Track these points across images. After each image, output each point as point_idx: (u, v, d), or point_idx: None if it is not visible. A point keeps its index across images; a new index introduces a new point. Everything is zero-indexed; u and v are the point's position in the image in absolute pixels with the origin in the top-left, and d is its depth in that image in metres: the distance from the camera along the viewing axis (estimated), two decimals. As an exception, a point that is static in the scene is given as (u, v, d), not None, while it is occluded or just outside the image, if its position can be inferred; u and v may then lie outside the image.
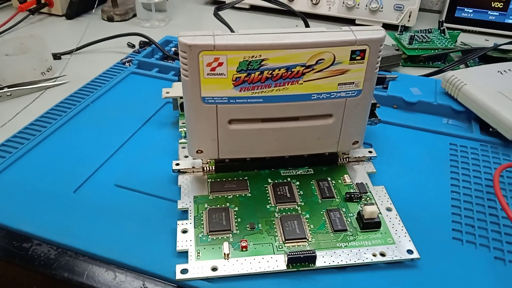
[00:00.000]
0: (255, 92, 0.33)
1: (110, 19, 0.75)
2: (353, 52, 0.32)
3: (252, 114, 0.34)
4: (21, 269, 0.32)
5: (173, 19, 0.77)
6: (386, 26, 0.68)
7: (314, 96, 0.34)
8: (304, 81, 0.33)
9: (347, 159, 0.40)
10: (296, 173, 0.39)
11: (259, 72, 0.32)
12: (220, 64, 0.32)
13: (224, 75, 0.32)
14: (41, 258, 0.32)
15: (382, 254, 0.32)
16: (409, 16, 0.70)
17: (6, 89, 0.52)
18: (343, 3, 0.72)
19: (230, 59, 0.31)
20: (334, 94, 0.34)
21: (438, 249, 0.33)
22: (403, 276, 0.31)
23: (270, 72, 0.32)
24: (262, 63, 0.32)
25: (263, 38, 0.31)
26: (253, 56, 0.31)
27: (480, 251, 0.33)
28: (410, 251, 0.32)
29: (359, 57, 0.33)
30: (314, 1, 0.74)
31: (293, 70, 0.32)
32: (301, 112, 0.35)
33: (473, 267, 0.32)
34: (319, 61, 0.32)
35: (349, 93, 0.34)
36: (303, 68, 0.32)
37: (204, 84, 0.32)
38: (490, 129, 0.46)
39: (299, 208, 0.35)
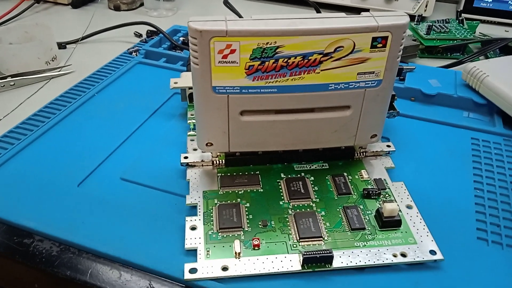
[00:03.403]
0: (269, 82, 0.31)
1: (117, 8, 0.74)
2: (374, 39, 0.30)
3: (265, 105, 0.33)
4: (22, 266, 0.31)
5: (181, 8, 0.75)
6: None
7: (331, 86, 0.32)
8: (321, 70, 0.31)
9: (364, 153, 0.38)
10: (310, 167, 0.37)
11: (273, 60, 0.30)
12: (233, 51, 0.30)
13: (237, 63, 0.30)
14: (43, 255, 0.31)
15: (403, 255, 0.30)
16: (426, 6, 0.67)
17: (9, 79, 0.50)
18: (357, -8, 0.70)
19: (243, 46, 0.29)
20: (352, 84, 0.32)
21: (462, 249, 0.31)
22: (426, 278, 0.29)
23: (286, 60, 0.30)
24: (277, 51, 0.30)
25: (279, 24, 0.29)
26: (267, 43, 0.30)
27: (506, 252, 0.31)
28: (433, 252, 0.30)
29: (380, 45, 0.31)
30: (326, -10, 0.71)
31: (310, 58, 0.30)
32: (317, 103, 0.33)
33: (500, 269, 0.30)
34: (338, 49, 0.30)
35: (368, 83, 0.32)
36: (321, 56, 0.30)
37: (215, 72, 0.30)
38: (514, 123, 0.44)
39: (314, 205, 0.34)
